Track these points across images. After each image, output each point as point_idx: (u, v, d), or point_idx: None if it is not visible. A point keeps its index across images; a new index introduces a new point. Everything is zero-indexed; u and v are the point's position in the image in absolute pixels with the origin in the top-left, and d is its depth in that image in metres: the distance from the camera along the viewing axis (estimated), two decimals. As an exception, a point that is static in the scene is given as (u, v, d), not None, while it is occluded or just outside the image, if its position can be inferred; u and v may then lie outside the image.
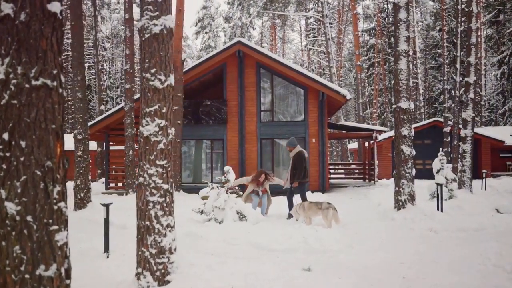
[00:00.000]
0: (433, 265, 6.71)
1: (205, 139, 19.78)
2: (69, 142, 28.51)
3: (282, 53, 60.82)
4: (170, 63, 5.40)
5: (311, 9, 47.19)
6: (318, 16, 35.23)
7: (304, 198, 10.93)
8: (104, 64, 62.23)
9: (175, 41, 17.63)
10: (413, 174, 11.25)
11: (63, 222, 3.09)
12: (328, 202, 9.86)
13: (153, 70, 5.27)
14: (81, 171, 12.21)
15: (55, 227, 3.01)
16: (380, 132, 22.79)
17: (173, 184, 12.37)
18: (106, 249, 7.15)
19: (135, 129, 16.96)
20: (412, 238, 8.73)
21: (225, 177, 10.17)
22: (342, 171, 30.83)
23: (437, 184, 10.54)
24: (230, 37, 61.50)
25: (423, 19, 52.45)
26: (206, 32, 60.39)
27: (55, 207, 3.01)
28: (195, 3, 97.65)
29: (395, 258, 7.19)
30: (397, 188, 11.31)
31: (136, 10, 21.02)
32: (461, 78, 25.02)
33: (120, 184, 20.66)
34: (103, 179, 22.98)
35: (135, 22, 18.53)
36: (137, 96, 19.29)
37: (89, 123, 19.36)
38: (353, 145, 43.09)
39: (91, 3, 30.57)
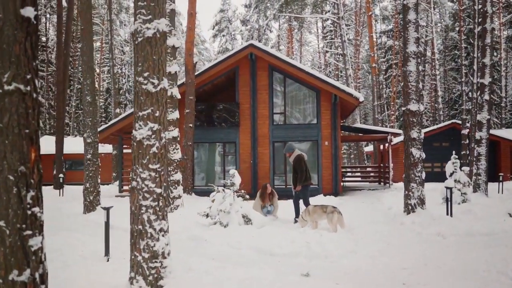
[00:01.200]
0: (435, 271, 6.57)
1: (218, 142, 19.77)
2: (69, 145, 28.62)
3: (300, 55, 60.63)
4: (164, 67, 5.38)
5: (328, 11, 46.98)
6: (334, 18, 35.03)
7: (306, 202, 10.81)
8: (123, 68, 62.85)
9: (187, 44, 17.70)
10: (423, 177, 11.06)
11: (38, 227, 3.08)
12: (333, 205, 9.75)
13: (146, 74, 5.26)
14: (91, 174, 12.31)
15: (29, 232, 3.00)
16: (395, 134, 22.52)
17: (183, 188, 12.13)
18: (107, 252, 7.16)
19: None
20: (419, 243, 8.57)
21: (230, 180, 10.12)
22: (358, 174, 30.53)
23: (446, 188, 10.34)
24: (247, 40, 61.48)
25: (442, 20, 51.80)
26: (223, 35, 60.56)
27: (29, 212, 3.00)
28: (212, 6, 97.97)
29: (398, 263, 7.06)
30: (406, 192, 11.14)
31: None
32: (478, 80, 24.59)
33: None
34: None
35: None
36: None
37: (103, 126, 19.56)
38: (370, 147, 42.70)
39: (107, 8, 30.99)
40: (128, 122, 19.15)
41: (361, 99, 18.30)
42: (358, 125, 23.50)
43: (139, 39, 5.29)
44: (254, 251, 8.00)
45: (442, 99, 49.97)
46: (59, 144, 22.47)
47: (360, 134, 23.86)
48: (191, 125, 17.32)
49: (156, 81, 5.30)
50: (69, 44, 20.76)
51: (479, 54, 20.61)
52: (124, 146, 21.10)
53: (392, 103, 46.97)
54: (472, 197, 14.24)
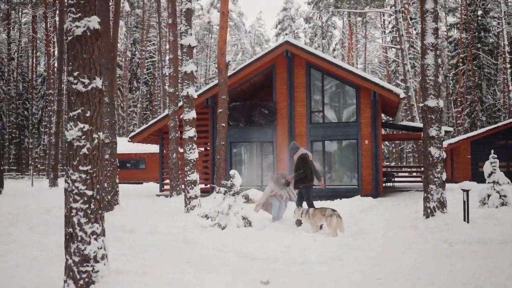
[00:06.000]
0: (411, 283, 5.98)
1: (255, 141, 19.50)
2: (128, 145, 29.39)
3: (364, 51, 59.13)
4: (96, 66, 5.24)
5: (393, 5, 45.27)
6: (390, 12, 33.72)
7: (310, 204, 10.29)
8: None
9: (219, 43, 17.64)
10: (443, 179, 10.23)
11: None
12: (332, 208, 9.23)
13: (76, 73, 5.14)
14: (108, 174, 12.50)
15: None
16: (447, 132, 21.18)
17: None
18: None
19: (178, 132, 17.17)
20: (419, 250, 7.88)
21: (231, 181, 9.86)
22: (413, 174, 29.18)
23: (463, 190, 9.47)
24: (310, 37, 60.88)
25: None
26: (286, 34, 60.26)
27: None
28: (275, 5, 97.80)
29: (378, 272, 6.50)
30: (425, 194, 10.40)
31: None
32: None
33: (176, 186, 21.00)
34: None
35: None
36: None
37: (143, 127, 19.99)
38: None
39: (156, 11, 31.42)
40: (167, 122, 19.38)
41: (402, 95, 17.37)
42: (405, 122, 22.32)
43: (69, 38, 5.18)
44: (236, 255, 7.70)
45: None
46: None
47: (405, 132, 22.64)
48: (224, 124, 17.23)
49: (86, 81, 5.16)
50: (116, 46, 21.29)
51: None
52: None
53: (460, 99, 44.54)
54: (515, 200, 13.06)
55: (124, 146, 30.85)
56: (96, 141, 5.25)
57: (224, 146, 17.28)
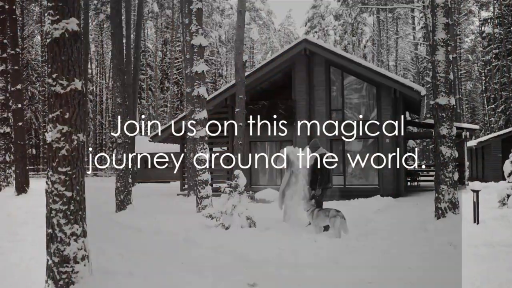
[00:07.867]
0: (403, 287, 5.79)
1: (275, 140, 19.39)
2: (156, 144, 29.59)
3: (396, 48, 58.07)
4: (76, 67, 5.26)
5: (422, 1, 44.33)
6: (420, 8, 33.01)
7: (318, 205, 10.07)
8: (221, 69, 64.60)
9: (236, 42, 17.55)
10: (455, 178, 9.91)
11: None
12: (336, 209, 9.04)
13: (54, 75, 5.18)
14: (121, 174, 12.63)
15: None
16: (473, 130, 20.55)
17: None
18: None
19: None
20: (421, 253, 7.64)
21: (235, 181, 9.80)
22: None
23: (473, 190, 9.15)
24: (340, 35, 60.19)
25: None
26: (315, 32, 59.72)
27: None
28: (305, 3, 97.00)
29: (371, 276, 6.32)
30: (436, 195, 10.10)
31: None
32: None
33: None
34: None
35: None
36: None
37: (163, 127, 20.17)
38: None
39: (180, 10, 31.61)
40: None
41: (423, 92, 16.95)
42: (428, 120, 21.72)
43: (48, 40, 5.22)
44: (231, 256, 7.64)
45: None
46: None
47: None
48: (241, 124, 17.16)
49: (65, 82, 5.19)
50: (139, 47, 21.67)
51: None
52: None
53: (493, 95, 43.29)
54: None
55: (151, 145, 31.18)
56: (75, 142, 5.27)
57: (241, 145, 17.22)
